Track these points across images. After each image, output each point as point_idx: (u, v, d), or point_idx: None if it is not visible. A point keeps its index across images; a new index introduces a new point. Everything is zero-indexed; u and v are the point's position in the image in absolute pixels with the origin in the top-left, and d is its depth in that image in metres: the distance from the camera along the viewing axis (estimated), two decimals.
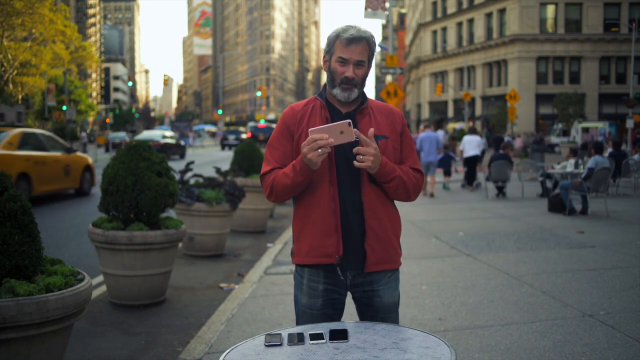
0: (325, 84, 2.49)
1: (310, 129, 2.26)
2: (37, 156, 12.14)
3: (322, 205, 2.37)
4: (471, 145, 15.98)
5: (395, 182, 2.39)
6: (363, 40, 2.37)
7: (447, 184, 16.88)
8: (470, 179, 16.42)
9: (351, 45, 2.35)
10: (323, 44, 2.48)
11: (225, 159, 29.91)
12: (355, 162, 2.28)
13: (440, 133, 14.44)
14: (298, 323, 2.51)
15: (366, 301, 2.48)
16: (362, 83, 2.42)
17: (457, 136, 36.45)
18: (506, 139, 29.45)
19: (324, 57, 2.47)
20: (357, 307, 2.53)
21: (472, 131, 17.17)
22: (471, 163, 16.17)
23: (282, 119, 2.50)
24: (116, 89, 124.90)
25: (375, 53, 2.47)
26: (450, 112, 58.02)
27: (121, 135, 47.26)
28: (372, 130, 2.30)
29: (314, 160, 2.23)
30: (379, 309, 2.48)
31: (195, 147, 55.94)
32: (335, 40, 2.40)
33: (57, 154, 13.07)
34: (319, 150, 2.21)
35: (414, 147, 2.55)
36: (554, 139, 39.58)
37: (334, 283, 2.43)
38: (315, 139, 2.22)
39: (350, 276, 2.43)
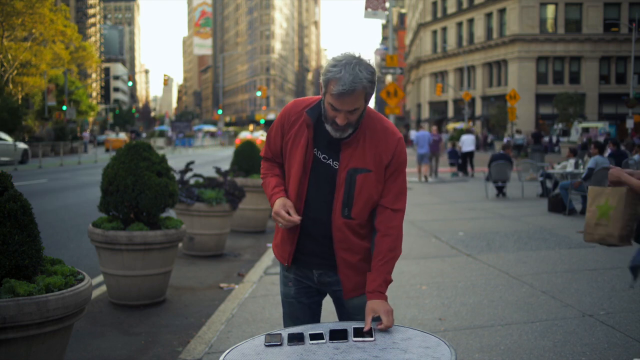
0: (320, 85, 2.41)
1: None
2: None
3: None
4: (468, 142, 20.45)
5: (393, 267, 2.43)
6: (356, 91, 2.18)
7: (454, 172, 21.19)
8: (464, 169, 20.88)
9: (342, 98, 2.19)
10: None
11: (225, 158, 29.95)
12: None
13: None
14: (283, 311, 2.61)
15: (338, 301, 2.51)
16: (357, 121, 2.29)
17: (456, 136, 36.66)
18: (506, 139, 29.75)
19: (320, 82, 2.32)
20: (334, 306, 2.57)
21: (469, 131, 23.12)
22: (466, 156, 20.77)
23: (281, 116, 2.47)
24: (116, 89, 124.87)
25: (375, 83, 2.28)
26: (450, 112, 58.01)
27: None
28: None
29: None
30: (352, 309, 2.47)
31: (195, 147, 55.96)
32: (328, 83, 2.22)
33: None
34: (280, 225, 2.35)
35: (401, 179, 2.39)
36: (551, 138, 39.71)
37: (303, 274, 2.49)
38: (284, 217, 2.31)
39: (317, 274, 2.46)
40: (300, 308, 2.51)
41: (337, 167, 2.33)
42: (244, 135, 48.53)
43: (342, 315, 2.53)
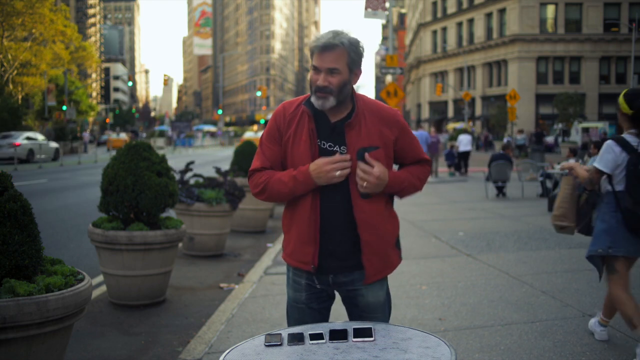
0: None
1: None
2: None
3: (303, 212, 2.38)
4: (464, 142, 21.32)
5: (405, 190, 2.45)
6: (337, 47, 2.26)
7: (451, 171, 21.96)
8: (460, 168, 21.77)
9: (323, 53, 2.27)
10: None
11: (225, 158, 29.94)
12: (359, 188, 2.31)
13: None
14: (287, 316, 2.57)
15: (350, 300, 2.50)
16: (340, 91, 2.31)
17: (455, 136, 36.77)
18: (506, 139, 29.86)
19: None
20: (345, 306, 2.56)
21: (465, 131, 24.51)
22: (463, 156, 21.61)
23: (274, 119, 2.46)
24: (116, 89, 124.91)
25: (362, 56, 2.36)
26: (450, 112, 58.01)
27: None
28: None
29: (327, 180, 2.28)
30: (364, 308, 2.48)
31: (195, 147, 55.95)
32: (312, 48, 2.32)
33: None
34: (338, 173, 2.27)
35: (414, 140, 2.51)
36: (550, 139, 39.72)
37: (317, 279, 2.46)
38: (337, 160, 2.27)
39: (332, 275, 2.43)
40: (310, 314, 2.47)
41: (345, 152, 2.34)
42: (249, 135, 48.97)
43: (353, 315, 2.52)
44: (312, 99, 2.34)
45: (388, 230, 2.44)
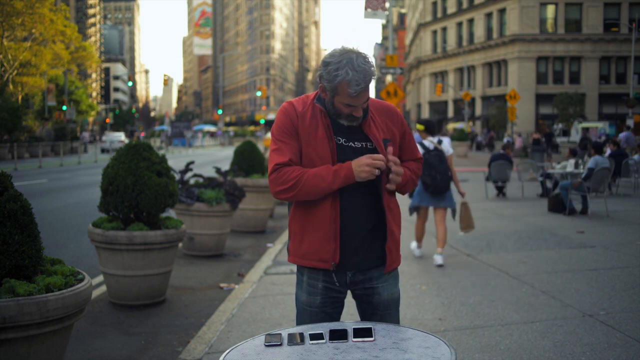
0: (320, 89, 2.41)
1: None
2: None
3: (322, 210, 2.36)
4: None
5: (407, 185, 2.52)
6: (368, 84, 2.31)
7: None
8: None
9: (359, 95, 2.28)
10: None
11: (225, 158, 29.95)
12: (388, 185, 2.36)
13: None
14: (298, 320, 2.53)
15: (366, 298, 2.49)
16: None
17: (456, 136, 36.74)
18: (506, 139, 30.00)
19: (321, 83, 2.34)
20: (357, 304, 2.55)
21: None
22: None
23: (286, 115, 2.40)
24: (116, 89, 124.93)
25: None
26: (450, 112, 58.03)
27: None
28: (391, 149, 2.36)
29: (367, 176, 2.29)
30: (378, 306, 2.49)
31: (195, 147, 55.94)
32: (338, 85, 2.26)
33: None
34: (377, 171, 2.29)
35: (413, 140, 2.60)
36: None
37: (334, 281, 2.44)
38: (378, 158, 2.29)
39: (350, 274, 2.44)
40: (322, 318, 2.45)
41: (360, 146, 2.39)
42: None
43: (365, 314, 2.53)
44: (342, 122, 2.37)
45: (399, 222, 2.52)
